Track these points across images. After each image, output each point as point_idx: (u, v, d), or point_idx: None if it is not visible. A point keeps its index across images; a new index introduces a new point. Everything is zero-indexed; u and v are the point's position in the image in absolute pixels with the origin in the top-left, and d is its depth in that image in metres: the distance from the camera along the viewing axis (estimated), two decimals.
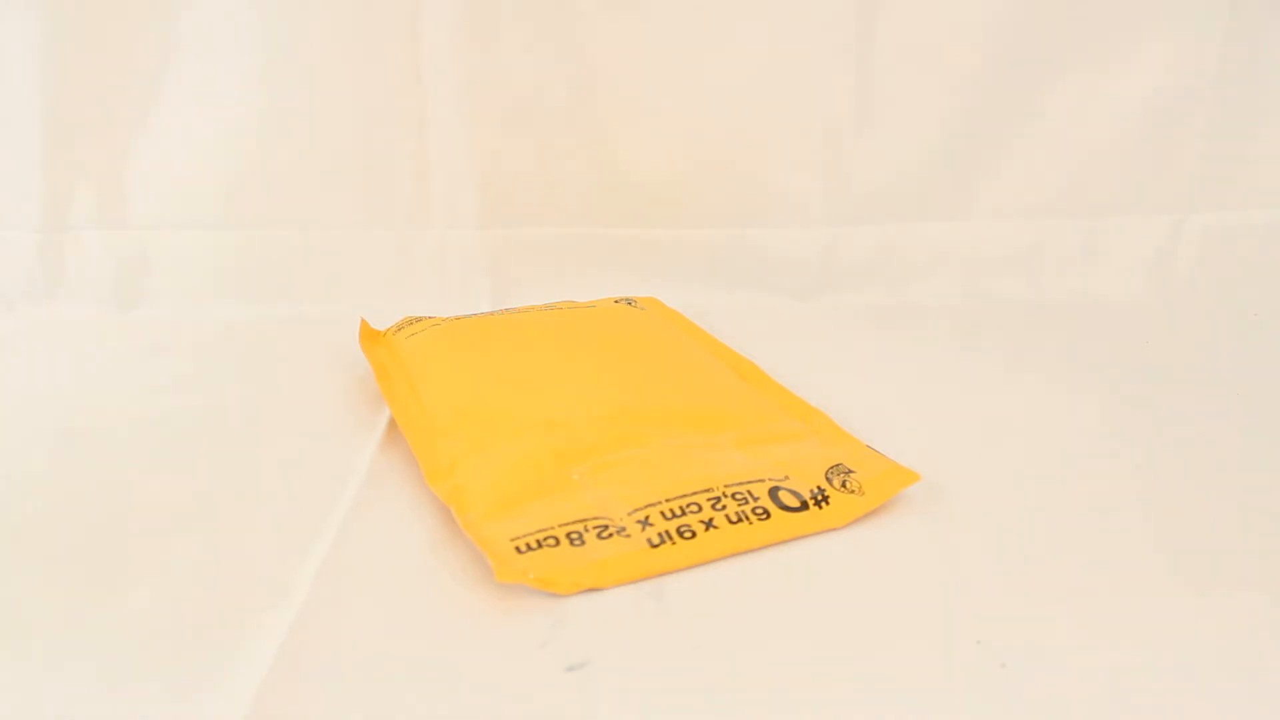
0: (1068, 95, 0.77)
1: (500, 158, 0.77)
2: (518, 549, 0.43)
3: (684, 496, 0.46)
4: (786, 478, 0.48)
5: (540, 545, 0.43)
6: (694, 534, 0.44)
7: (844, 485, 0.48)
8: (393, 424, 0.56)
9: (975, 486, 0.50)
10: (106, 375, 0.66)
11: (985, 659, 0.38)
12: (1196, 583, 0.42)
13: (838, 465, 0.49)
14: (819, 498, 0.47)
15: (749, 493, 0.47)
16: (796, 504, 0.46)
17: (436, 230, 0.79)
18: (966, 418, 0.58)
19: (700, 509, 0.45)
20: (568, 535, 0.44)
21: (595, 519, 0.45)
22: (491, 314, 0.67)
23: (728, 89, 0.77)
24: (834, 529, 0.46)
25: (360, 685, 0.37)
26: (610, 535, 0.44)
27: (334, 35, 0.74)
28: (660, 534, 0.44)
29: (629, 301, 0.70)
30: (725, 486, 0.47)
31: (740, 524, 0.45)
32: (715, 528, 0.45)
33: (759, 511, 0.46)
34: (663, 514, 0.45)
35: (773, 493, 0.47)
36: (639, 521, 0.45)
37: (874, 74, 0.76)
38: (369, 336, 0.65)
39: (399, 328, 0.65)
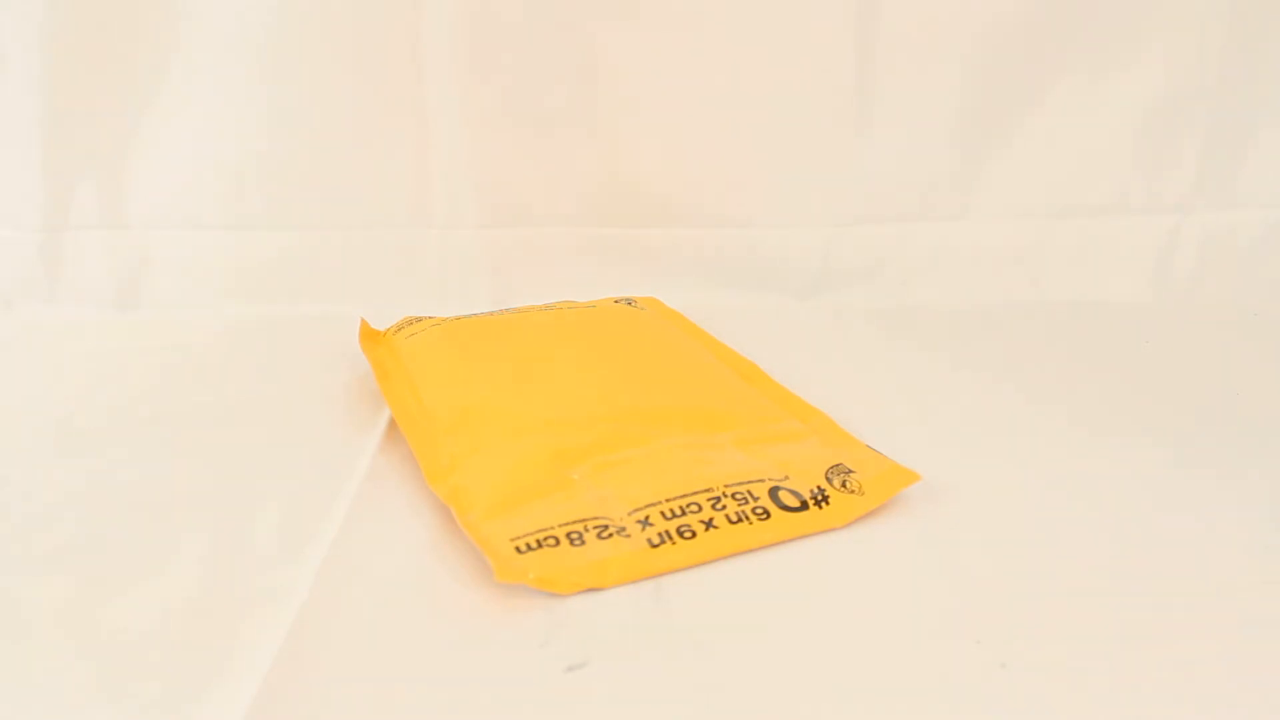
0: (1068, 95, 0.77)
1: (500, 158, 0.77)
2: (518, 549, 0.43)
3: (684, 496, 0.46)
4: (786, 477, 0.48)
5: (540, 545, 0.43)
6: (694, 534, 0.44)
7: (844, 485, 0.48)
8: (393, 424, 0.56)
9: (975, 486, 0.50)
10: (106, 375, 0.66)
11: (985, 659, 0.38)
12: (1196, 582, 0.42)
13: (838, 465, 0.49)
14: (819, 497, 0.47)
15: (749, 492, 0.47)
16: (796, 504, 0.46)
17: (436, 230, 0.79)
18: (966, 418, 0.58)
19: (700, 509, 0.45)
20: (568, 535, 0.44)
21: (595, 519, 0.45)
22: (491, 314, 0.67)
23: (728, 88, 0.76)
24: (834, 529, 0.46)
25: (360, 685, 0.37)
26: (610, 535, 0.44)
27: (334, 35, 0.74)
28: (660, 534, 0.44)
29: (629, 301, 0.70)
30: (725, 486, 0.47)
31: (740, 524, 0.45)
32: (715, 528, 0.45)
33: (759, 511, 0.46)
34: (663, 514, 0.45)
35: (773, 492, 0.47)
36: (639, 521, 0.45)
37: (874, 73, 0.76)
38: (369, 336, 0.65)
39: (399, 328, 0.65)
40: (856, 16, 0.74)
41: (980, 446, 0.54)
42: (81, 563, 0.44)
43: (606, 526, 0.44)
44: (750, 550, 0.45)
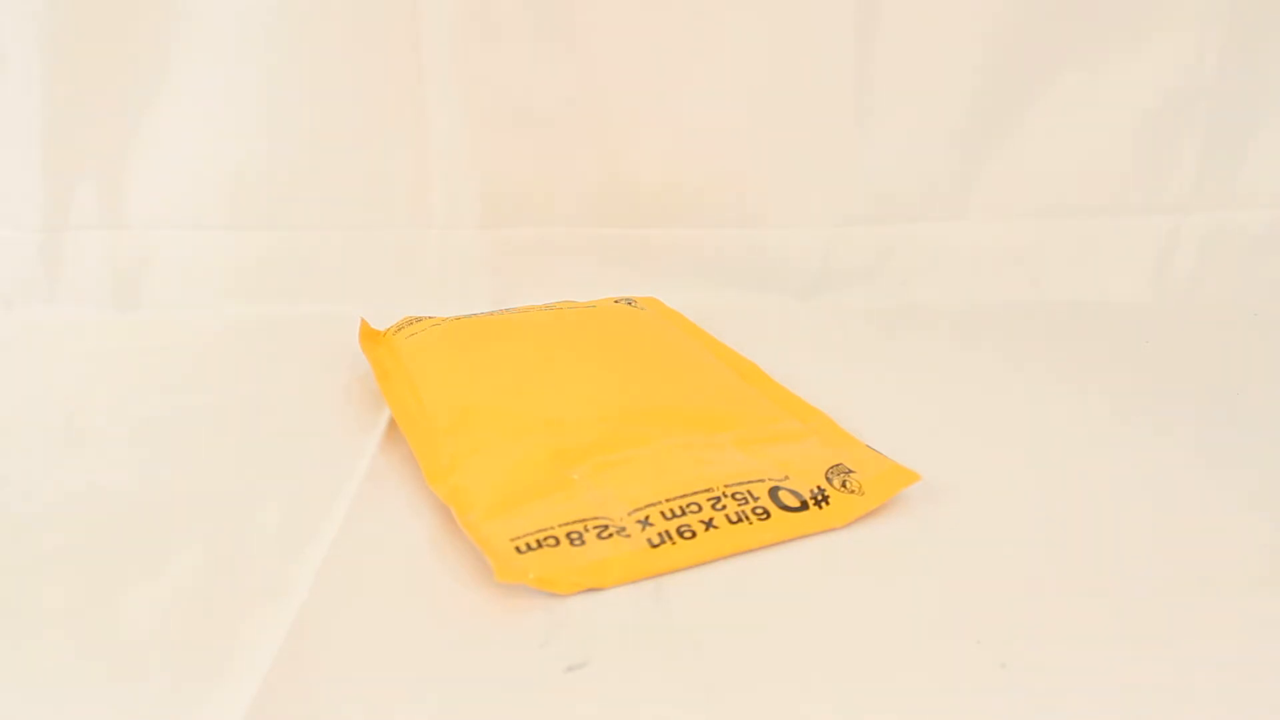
0: (1068, 95, 0.77)
1: (501, 158, 0.77)
2: (518, 549, 0.43)
3: (684, 496, 0.46)
4: (786, 477, 0.48)
5: (540, 545, 0.43)
6: (694, 534, 0.44)
7: (844, 485, 0.48)
8: (393, 424, 0.56)
9: (975, 486, 0.50)
10: (106, 375, 0.66)
11: (985, 659, 0.38)
12: (1196, 583, 0.42)
13: (838, 465, 0.49)
14: (819, 497, 0.47)
15: (749, 492, 0.47)
16: (796, 504, 0.46)
17: (437, 230, 0.79)
18: (966, 418, 0.58)
19: (700, 509, 0.45)
20: (568, 535, 0.44)
21: (595, 519, 0.45)
22: (491, 314, 0.67)
23: (728, 89, 0.76)
24: (834, 529, 0.46)
25: (360, 685, 0.37)
26: (610, 535, 0.44)
27: (334, 35, 0.74)
28: (660, 534, 0.44)
29: (629, 301, 0.70)
30: (725, 486, 0.47)
31: (740, 524, 0.45)
32: (715, 528, 0.45)
33: (759, 511, 0.46)
34: (663, 514, 0.45)
35: (773, 492, 0.47)
36: (639, 521, 0.45)
37: (874, 73, 0.76)
38: (369, 336, 0.65)
39: (399, 328, 0.65)
40: (856, 16, 0.74)
41: (980, 446, 0.54)
42: (81, 563, 0.44)
43: (606, 526, 0.44)
44: (750, 550, 0.45)
